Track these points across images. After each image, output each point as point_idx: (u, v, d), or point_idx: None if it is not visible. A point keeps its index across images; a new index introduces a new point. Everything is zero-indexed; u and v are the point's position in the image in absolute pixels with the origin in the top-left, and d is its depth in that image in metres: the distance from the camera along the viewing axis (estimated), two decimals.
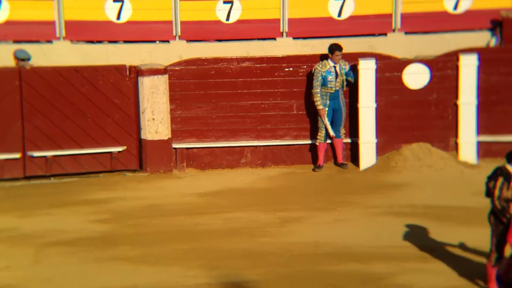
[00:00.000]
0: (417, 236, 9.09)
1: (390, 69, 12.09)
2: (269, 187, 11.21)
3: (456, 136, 12.19)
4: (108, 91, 11.93)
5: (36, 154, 11.76)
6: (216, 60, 12.15)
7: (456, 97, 12.16)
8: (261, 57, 12.24)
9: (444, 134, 12.21)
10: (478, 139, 12.13)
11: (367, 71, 11.91)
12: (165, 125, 12.00)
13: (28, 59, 12.03)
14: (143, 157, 11.96)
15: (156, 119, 11.99)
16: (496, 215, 7.46)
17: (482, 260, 8.14)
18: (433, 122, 12.20)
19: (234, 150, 12.06)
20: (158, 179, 11.56)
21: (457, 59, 12.12)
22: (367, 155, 11.97)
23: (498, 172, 7.41)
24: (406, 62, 12.21)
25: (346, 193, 10.84)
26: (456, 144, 12.18)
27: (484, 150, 12.11)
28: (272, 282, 7.78)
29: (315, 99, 10.83)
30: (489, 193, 7.50)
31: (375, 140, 11.99)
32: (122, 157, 12.01)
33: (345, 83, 11.04)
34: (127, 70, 12.04)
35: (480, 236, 8.47)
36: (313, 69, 10.96)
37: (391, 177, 11.47)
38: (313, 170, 10.97)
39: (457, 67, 12.12)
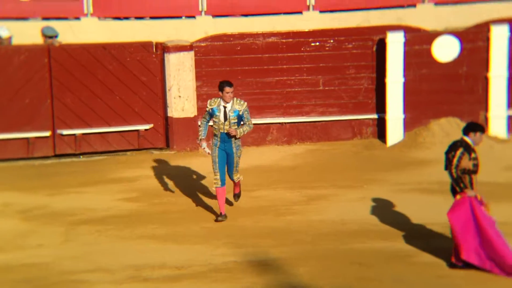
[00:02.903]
0: (445, 213, 8.98)
1: (419, 42, 11.90)
2: (295, 164, 11.20)
3: (486, 110, 12.00)
4: (135, 69, 11.98)
5: (66, 132, 11.91)
6: (242, 36, 12.10)
7: (487, 69, 11.94)
8: (287, 32, 12.15)
9: (474, 109, 12.04)
10: (509, 113, 11.93)
11: (395, 44, 11.75)
12: (191, 102, 12.03)
13: (56, 36, 12.11)
14: (169, 135, 12.03)
15: (182, 96, 12.02)
16: (453, 187, 7.53)
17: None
18: (462, 96, 12.03)
19: (260, 127, 12.06)
20: (184, 157, 11.62)
21: (488, 30, 11.87)
22: (395, 131, 11.87)
23: (458, 144, 7.56)
24: (435, 34, 12.01)
25: (372, 170, 10.78)
26: (486, 118, 11.99)
27: None
28: (298, 260, 7.81)
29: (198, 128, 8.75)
30: (448, 165, 7.56)
31: (402, 116, 11.87)
32: (149, 135, 12.09)
33: (234, 128, 8.49)
34: (154, 46, 12.06)
35: (510, 212, 8.38)
36: None
37: (419, 153, 11.36)
38: (216, 220, 8.75)
39: (488, 39, 11.88)
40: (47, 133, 11.87)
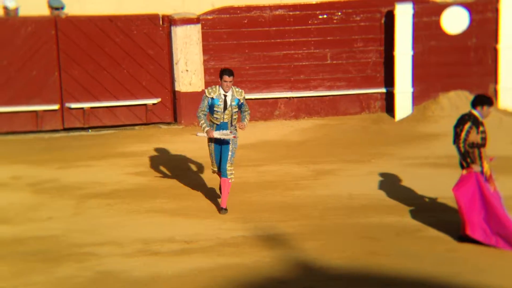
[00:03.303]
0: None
1: (427, 14, 11.78)
2: (302, 139, 11.18)
3: (496, 82, 11.92)
4: (142, 42, 11.93)
5: (74, 105, 11.92)
6: (249, 8, 12.01)
7: (496, 41, 11.83)
8: (294, 4, 12.05)
9: (483, 81, 11.97)
10: None
11: (403, 16, 11.64)
12: (199, 76, 11.99)
13: (62, 8, 12.05)
14: (177, 109, 12.02)
15: (189, 70, 11.98)
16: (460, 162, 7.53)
17: None
18: (472, 68, 11.95)
19: (268, 102, 12.04)
20: (192, 131, 11.61)
21: (497, 1, 11.75)
22: (403, 105, 11.83)
23: (466, 117, 7.50)
24: (444, 6, 11.88)
25: (381, 144, 10.76)
26: (495, 90, 11.92)
27: None
28: (307, 234, 7.82)
29: (199, 121, 8.17)
30: (455, 139, 7.53)
31: (411, 89, 11.81)
32: (157, 110, 12.09)
33: (234, 117, 8.12)
34: (160, 19, 11.99)
35: None
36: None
37: (427, 127, 11.32)
38: (220, 212, 8.31)
39: (497, 10, 11.75)
40: (56, 107, 11.88)
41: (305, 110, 12.16)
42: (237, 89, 8.18)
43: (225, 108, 8.07)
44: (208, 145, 8.31)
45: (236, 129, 8.20)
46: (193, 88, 12.00)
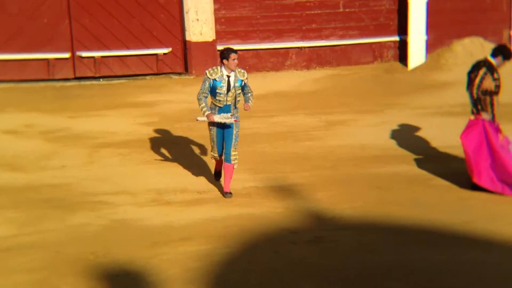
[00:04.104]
0: None
1: None
2: (314, 89, 11.10)
3: (510, 28, 11.72)
4: None
5: (85, 54, 11.88)
6: None
7: None
8: None
9: (498, 27, 11.79)
10: None
11: None
12: (209, 26, 11.86)
13: None
14: (188, 59, 11.95)
15: (200, 19, 11.84)
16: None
17: None
18: (486, 14, 11.75)
19: (279, 52, 11.92)
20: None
21: None
22: (416, 53, 11.68)
23: (481, 63, 7.42)
24: None
25: (393, 94, 10.67)
26: (510, 36, 11.73)
27: None
28: (318, 185, 7.84)
29: (199, 104, 7.48)
30: (469, 85, 7.45)
31: (425, 37, 11.63)
32: (168, 60, 12.02)
33: (237, 99, 7.56)
34: None
35: None
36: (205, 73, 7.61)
37: (441, 76, 11.20)
38: (225, 196, 7.73)
39: None
40: (67, 55, 11.85)
41: (317, 60, 12.04)
42: (239, 70, 7.58)
43: (228, 89, 7.49)
44: (209, 130, 7.67)
45: (238, 112, 7.65)
46: (204, 37, 11.89)
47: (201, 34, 11.89)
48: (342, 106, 10.34)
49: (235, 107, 7.58)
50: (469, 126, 7.48)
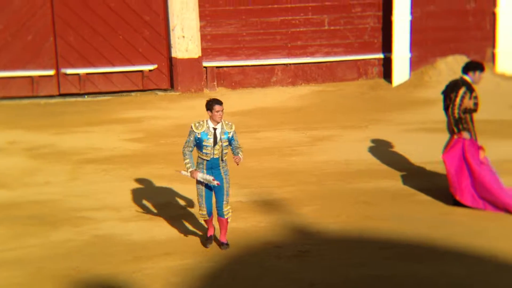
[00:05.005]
0: None
1: None
2: (299, 105, 11.16)
3: (493, 46, 11.87)
4: (137, 7, 11.83)
5: (69, 71, 11.86)
6: None
7: (494, 5, 11.76)
8: None
9: (481, 45, 11.93)
10: None
11: None
12: (195, 43, 11.92)
13: None
14: (173, 76, 11.97)
15: (186, 36, 11.90)
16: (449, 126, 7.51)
17: None
18: (470, 33, 11.89)
19: (265, 68, 11.99)
20: (189, 98, 11.59)
21: None
22: (401, 70, 11.79)
23: (459, 83, 7.44)
24: None
25: (377, 110, 10.74)
26: (493, 54, 11.87)
27: None
28: (303, 199, 7.86)
29: (183, 159, 6.98)
30: (447, 105, 7.49)
31: (409, 55, 11.75)
32: (154, 76, 12.04)
33: (224, 151, 6.96)
34: None
35: None
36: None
37: (424, 93, 11.30)
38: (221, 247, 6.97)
39: None
40: (51, 72, 11.83)
41: (302, 76, 12.11)
42: (226, 122, 7.08)
43: (215, 143, 6.96)
44: (197, 186, 7.01)
45: (227, 165, 7.10)
46: (190, 54, 11.93)
47: (186, 51, 11.93)
48: (327, 122, 10.40)
49: (223, 160, 7.03)
50: (451, 145, 7.54)
